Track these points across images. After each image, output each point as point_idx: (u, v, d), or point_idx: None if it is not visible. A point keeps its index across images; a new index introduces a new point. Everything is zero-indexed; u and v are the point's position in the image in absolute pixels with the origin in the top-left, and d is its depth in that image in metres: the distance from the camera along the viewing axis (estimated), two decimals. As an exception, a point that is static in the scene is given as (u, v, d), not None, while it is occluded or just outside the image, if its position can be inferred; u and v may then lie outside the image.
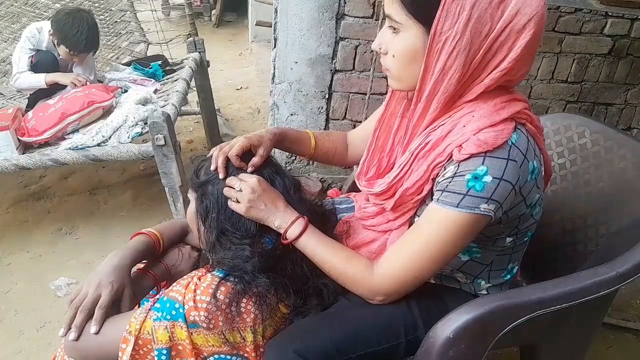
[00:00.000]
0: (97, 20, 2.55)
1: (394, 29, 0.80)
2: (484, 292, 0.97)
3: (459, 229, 0.78)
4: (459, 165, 0.76)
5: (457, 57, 0.74)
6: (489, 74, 0.76)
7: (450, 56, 0.74)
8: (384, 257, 0.86)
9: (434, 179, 0.81)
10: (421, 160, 0.82)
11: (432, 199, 0.81)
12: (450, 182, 0.77)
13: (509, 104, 0.78)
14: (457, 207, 0.76)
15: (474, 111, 0.78)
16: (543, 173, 0.85)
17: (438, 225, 0.79)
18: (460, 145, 0.76)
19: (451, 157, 0.78)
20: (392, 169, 0.91)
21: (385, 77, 0.89)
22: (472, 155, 0.75)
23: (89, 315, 0.87)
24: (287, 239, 0.88)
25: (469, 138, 0.75)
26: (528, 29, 0.72)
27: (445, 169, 0.79)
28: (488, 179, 0.74)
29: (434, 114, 0.81)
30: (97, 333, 0.86)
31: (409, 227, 0.91)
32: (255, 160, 0.91)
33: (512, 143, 0.76)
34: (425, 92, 0.79)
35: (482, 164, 0.74)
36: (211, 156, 0.93)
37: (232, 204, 0.88)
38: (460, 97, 0.80)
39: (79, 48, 2.06)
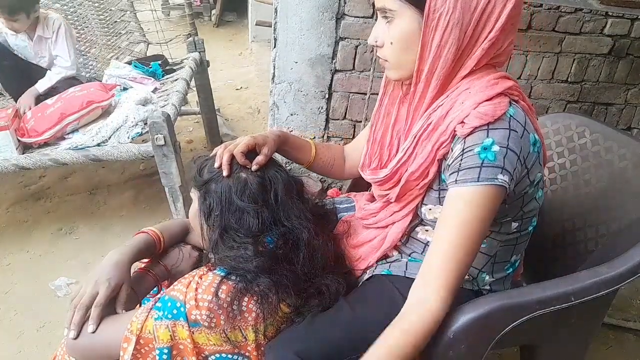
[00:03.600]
0: (97, 20, 2.56)
1: (387, 18, 0.83)
2: (487, 287, 0.97)
3: (485, 203, 0.77)
4: (465, 141, 0.78)
5: (452, 31, 0.77)
6: (480, 44, 0.80)
7: (445, 31, 0.77)
8: (424, 274, 0.81)
9: (440, 160, 0.83)
10: (425, 142, 0.84)
11: (439, 183, 0.82)
12: (461, 159, 0.78)
13: (501, 81, 0.82)
14: (478, 180, 0.76)
15: (469, 88, 0.81)
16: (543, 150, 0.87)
17: (466, 206, 0.77)
18: (462, 121, 0.78)
19: (454, 134, 0.79)
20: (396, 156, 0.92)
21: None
22: (475, 129, 0.77)
23: (87, 313, 0.88)
24: None
25: (470, 113, 0.78)
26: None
27: (452, 150, 0.80)
28: (496, 148, 0.76)
29: (433, 93, 0.83)
30: (94, 332, 0.86)
31: (414, 218, 0.91)
32: (259, 158, 0.91)
33: (510, 115, 0.78)
34: (425, 70, 0.82)
35: (487, 136, 0.76)
36: (215, 155, 0.93)
37: None
38: (456, 73, 0.83)
39: (4, 2, 2.03)
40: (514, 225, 0.89)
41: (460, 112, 0.79)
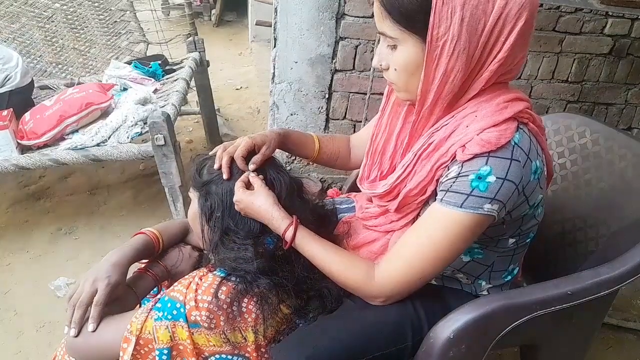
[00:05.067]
0: (97, 20, 2.56)
1: (389, 43, 0.80)
2: (485, 292, 0.97)
3: (462, 229, 0.77)
4: (462, 166, 0.76)
5: (458, 58, 0.73)
6: (488, 66, 0.76)
7: (451, 58, 0.73)
8: (386, 259, 0.85)
9: (438, 180, 0.81)
10: (424, 161, 0.82)
11: (435, 200, 0.81)
12: (454, 182, 0.77)
13: (512, 104, 0.78)
14: (460, 207, 0.76)
15: (476, 111, 0.78)
16: (545, 173, 0.85)
17: (441, 225, 0.78)
18: (464, 146, 0.76)
19: (455, 157, 0.77)
20: (394, 170, 0.91)
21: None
22: (475, 156, 0.75)
23: (87, 311, 0.88)
24: (286, 242, 0.87)
25: (472, 138, 0.75)
26: (522, 16, 0.72)
27: (448, 169, 0.79)
28: (492, 179, 0.74)
29: (438, 115, 0.82)
30: (94, 331, 0.86)
31: None
32: (256, 157, 0.91)
33: (515, 143, 0.76)
34: (429, 100, 0.79)
35: (486, 164, 0.74)
36: (213, 155, 0.92)
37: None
38: (462, 95, 0.80)
39: None
40: (511, 240, 0.89)
41: (463, 136, 0.77)
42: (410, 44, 0.77)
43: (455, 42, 0.72)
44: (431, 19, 0.71)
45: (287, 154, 2.17)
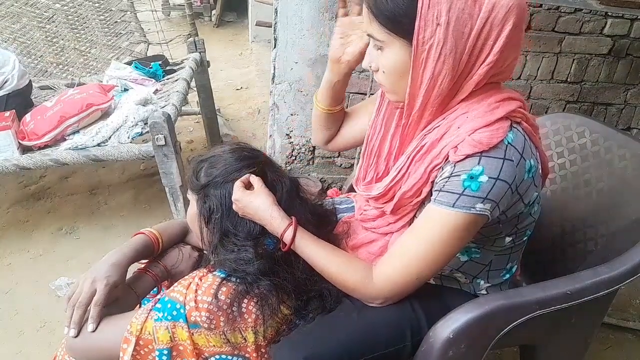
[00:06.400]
0: (97, 20, 2.56)
1: (377, 46, 0.80)
2: (484, 291, 0.97)
3: (456, 229, 0.78)
4: (455, 166, 0.77)
5: (445, 62, 0.74)
6: (477, 69, 0.76)
7: (437, 62, 0.74)
8: (383, 261, 0.86)
9: (432, 181, 0.81)
10: (418, 163, 0.83)
11: (430, 200, 0.82)
12: (446, 182, 0.77)
13: (504, 103, 0.78)
14: (452, 206, 0.76)
15: (468, 112, 0.78)
16: (540, 171, 0.85)
17: (435, 225, 0.79)
18: (456, 147, 0.76)
19: (447, 158, 0.78)
20: (389, 173, 0.91)
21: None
22: (468, 156, 0.75)
23: (86, 312, 0.88)
24: (285, 245, 0.87)
25: (464, 139, 0.76)
26: (509, 20, 0.72)
27: (442, 170, 0.79)
28: (484, 178, 0.74)
29: (429, 118, 0.82)
30: (94, 331, 0.86)
31: None
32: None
33: (508, 142, 0.76)
34: (417, 103, 0.80)
35: (478, 163, 0.75)
36: (210, 157, 0.92)
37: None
38: (453, 97, 0.80)
39: None
40: (508, 239, 0.89)
41: (455, 137, 0.77)
42: (397, 47, 0.77)
43: (442, 46, 0.72)
44: (417, 23, 0.72)
45: (286, 154, 2.16)
